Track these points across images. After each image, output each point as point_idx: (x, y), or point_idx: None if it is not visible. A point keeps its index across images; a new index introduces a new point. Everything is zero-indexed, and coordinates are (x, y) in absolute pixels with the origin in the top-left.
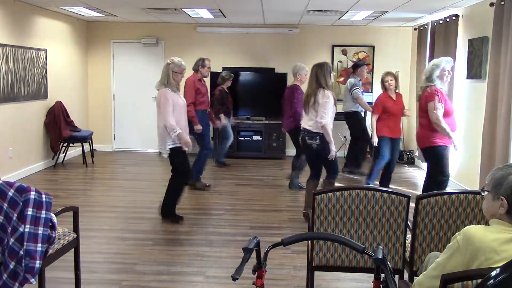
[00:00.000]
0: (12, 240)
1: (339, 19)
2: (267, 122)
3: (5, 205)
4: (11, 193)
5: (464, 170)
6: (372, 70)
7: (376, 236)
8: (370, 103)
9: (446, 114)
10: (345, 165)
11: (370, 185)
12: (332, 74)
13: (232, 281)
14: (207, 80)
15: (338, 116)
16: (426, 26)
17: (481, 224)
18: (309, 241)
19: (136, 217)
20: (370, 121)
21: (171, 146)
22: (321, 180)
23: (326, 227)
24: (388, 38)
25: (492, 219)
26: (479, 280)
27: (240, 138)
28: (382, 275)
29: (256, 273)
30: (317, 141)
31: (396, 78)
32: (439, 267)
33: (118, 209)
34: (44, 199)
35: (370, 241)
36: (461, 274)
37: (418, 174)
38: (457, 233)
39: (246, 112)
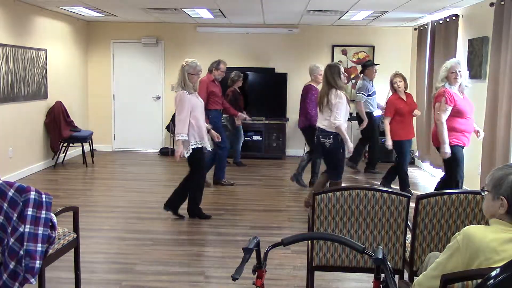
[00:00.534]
0: (12, 240)
1: (339, 19)
2: (267, 122)
3: (5, 205)
4: (11, 193)
5: (464, 170)
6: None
7: (376, 236)
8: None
9: (459, 114)
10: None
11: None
12: (342, 75)
13: (232, 281)
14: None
15: (350, 117)
16: (426, 26)
17: (481, 224)
18: (309, 241)
19: (136, 217)
20: (383, 124)
21: (193, 146)
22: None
23: (326, 227)
24: (388, 38)
25: (492, 219)
26: (479, 280)
27: None
28: (382, 275)
29: (256, 273)
30: (331, 140)
31: (404, 79)
32: (439, 267)
33: (118, 209)
34: (44, 199)
35: (370, 241)
36: (461, 274)
37: (418, 174)
38: (457, 233)
39: (246, 112)
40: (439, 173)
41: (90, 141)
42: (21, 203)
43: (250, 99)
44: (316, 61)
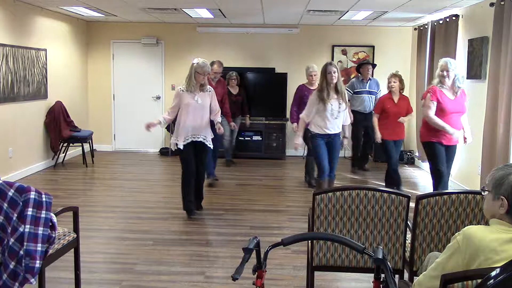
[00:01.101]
0: (12, 240)
1: (339, 19)
2: (267, 122)
3: (5, 205)
4: (11, 193)
5: (464, 170)
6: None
7: (376, 236)
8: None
9: (441, 112)
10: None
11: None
12: (329, 74)
13: (232, 281)
14: None
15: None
16: (426, 26)
17: (481, 224)
18: (309, 241)
19: (136, 217)
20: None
21: (173, 141)
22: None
23: (326, 227)
24: (388, 38)
25: (492, 219)
26: (479, 280)
27: (240, 138)
28: (382, 275)
29: (256, 273)
30: (309, 135)
31: (401, 80)
32: (439, 267)
33: (118, 209)
34: (44, 199)
35: (370, 241)
36: (461, 274)
37: (418, 174)
38: (457, 233)
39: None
40: None
41: (90, 141)
42: (21, 203)
43: (250, 100)
44: (316, 61)
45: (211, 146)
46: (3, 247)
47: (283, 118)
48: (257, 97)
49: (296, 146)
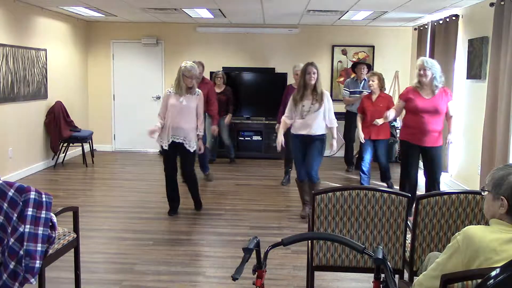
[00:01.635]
0: (12, 240)
1: (339, 19)
2: (267, 122)
3: (5, 205)
4: (11, 193)
5: (464, 170)
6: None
7: (376, 236)
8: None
9: (412, 111)
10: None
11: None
12: (308, 74)
13: (232, 281)
14: None
15: (338, 116)
16: (426, 26)
17: (481, 224)
18: (309, 241)
19: (136, 217)
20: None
21: (159, 143)
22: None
23: (326, 227)
24: (388, 38)
25: (492, 219)
26: (479, 280)
27: (240, 138)
28: (382, 275)
29: (256, 273)
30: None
31: (380, 78)
32: (439, 267)
33: (118, 209)
34: (44, 199)
35: (370, 241)
36: (461, 274)
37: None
38: (457, 233)
39: (246, 112)
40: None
41: (90, 141)
42: (21, 203)
43: (249, 100)
44: (316, 61)
45: (191, 150)
46: (3, 247)
47: None
48: (257, 97)
49: (278, 146)
